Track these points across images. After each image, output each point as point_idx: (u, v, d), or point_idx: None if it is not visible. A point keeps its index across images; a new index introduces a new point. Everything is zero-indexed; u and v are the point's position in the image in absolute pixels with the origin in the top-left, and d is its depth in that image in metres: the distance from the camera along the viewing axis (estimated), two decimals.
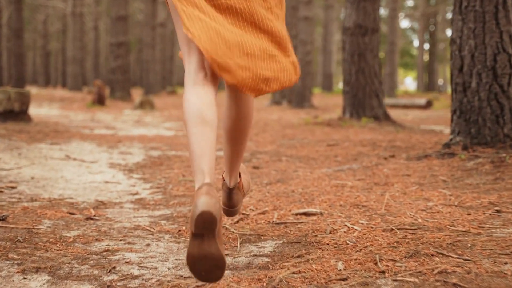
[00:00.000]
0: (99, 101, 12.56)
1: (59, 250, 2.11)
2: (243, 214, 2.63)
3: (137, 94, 23.94)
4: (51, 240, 2.23)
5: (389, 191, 3.00)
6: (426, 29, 35.70)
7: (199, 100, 1.71)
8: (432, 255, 1.91)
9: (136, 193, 3.20)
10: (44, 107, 12.79)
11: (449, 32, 57.42)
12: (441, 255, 1.90)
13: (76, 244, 2.18)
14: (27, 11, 43.98)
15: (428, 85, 34.78)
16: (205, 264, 1.52)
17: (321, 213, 2.58)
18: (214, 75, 1.78)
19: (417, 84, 34.08)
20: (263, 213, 2.66)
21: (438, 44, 41.63)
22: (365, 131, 6.05)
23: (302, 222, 2.46)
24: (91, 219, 2.60)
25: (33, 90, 27.55)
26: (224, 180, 2.18)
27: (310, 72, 13.10)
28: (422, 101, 13.18)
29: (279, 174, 3.62)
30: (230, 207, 2.18)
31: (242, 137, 2.05)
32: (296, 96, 13.20)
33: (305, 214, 2.61)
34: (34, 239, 2.23)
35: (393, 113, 10.72)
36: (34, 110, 11.41)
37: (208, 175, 1.62)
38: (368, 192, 3.00)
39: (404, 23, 57.78)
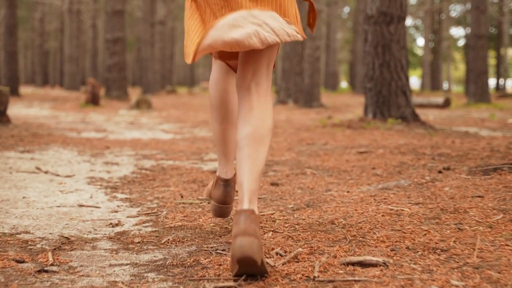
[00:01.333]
0: (93, 100, 11.72)
1: None
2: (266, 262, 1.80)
3: (135, 93, 23.12)
4: None
5: (467, 223, 2.16)
6: (430, 27, 34.83)
7: (223, 99, 2.04)
8: None
9: (118, 224, 2.36)
10: (34, 107, 11.97)
11: (453, 31, 56.76)
12: None
13: None
14: (25, 9, 43.15)
15: (432, 84, 33.89)
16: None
17: (384, 264, 1.74)
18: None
19: (422, 83, 33.21)
20: (297, 259, 1.82)
21: (442, 43, 40.86)
22: (394, 135, 5.21)
23: (360, 281, 1.62)
24: (46, 271, 1.76)
25: (28, 89, 26.74)
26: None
27: (318, 69, 12.26)
28: (439, 100, 12.33)
29: (307, 194, 2.78)
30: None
31: (260, 143, 1.81)
32: (304, 95, 12.36)
33: (361, 264, 1.76)
34: None
35: None
36: (22, 111, 10.59)
37: (230, 171, 2.09)
38: (438, 225, 2.16)
39: (407, 21, 56.84)
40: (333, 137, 5.11)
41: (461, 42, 56.54)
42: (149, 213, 2.53)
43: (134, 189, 3.02)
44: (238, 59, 1.90)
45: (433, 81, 33.50)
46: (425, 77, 32.29)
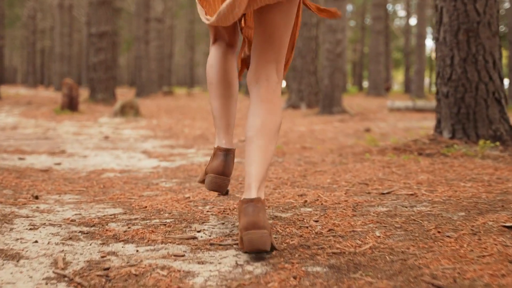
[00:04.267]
0: (70, 105, 9.78)
1: None
2: None
3: (129, 95, 21.29)
4: None
5: None
6: None
7: (222, 68, 2.02)
8: None
9: None
10: (1, 113, 10.05)
11: None
12: None
13: None
14: (19, 7, 41.26)
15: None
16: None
17: None
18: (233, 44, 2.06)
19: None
20: None
21: None
22: (503, 169, 3.28)
23: None
24: None
25: (14, 90, 24.85)
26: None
27: (340, 68, 10.33)
28: None
29: None
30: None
31: (266, 139, 1.86)
32: (323, 98, 10.42)
33: None
34: None
35: None
36: None
37: (223, 138, 2.06)
38: None
39: (411, 20, 54.93)
40: (408, 174, 3.17)
41: None
42: None
43: None
44: (252, 49, 1.91)
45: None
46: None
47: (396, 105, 11.97)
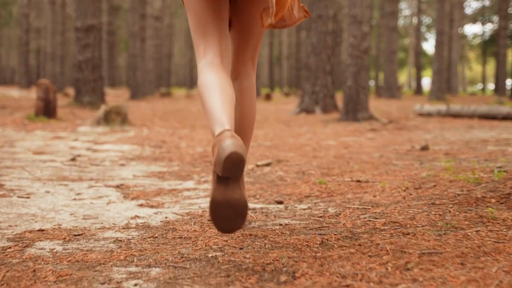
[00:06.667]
0: (46, 110, 8.23)
1: None
2: None
3: (123, 97, 19.83)
4: None
5: None
6: (459, 22, 31.27)
7: (218, 78, 1.83)
8: None
9: None
10: None
11: (466, 29, 53.51)
12: None
13: None
14: (13, 5, 39.75)
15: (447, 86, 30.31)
16: (228, 210, 1.57)
17: None
18: (227, 62, 1.93)
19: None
20: None
21: (457, 41, 37.62)
22: None
23: None
24: None
25: (1, 92, 23.36)
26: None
27: (367, 66, 8.79)
28: None
29: None
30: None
31: (249, 132, 2.11)
32: (346, 102, 8.88)
33: None
34: None
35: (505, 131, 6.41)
36: None
37: (228, 123, 1.69)
38: None
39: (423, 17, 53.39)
40: None
41: (474, 41, 53.18)
42: None
43: None
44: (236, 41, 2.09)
45: (446, 82, 29.96)
46: (452, 79, 28.66)
47: (425, 110, 10.42)
